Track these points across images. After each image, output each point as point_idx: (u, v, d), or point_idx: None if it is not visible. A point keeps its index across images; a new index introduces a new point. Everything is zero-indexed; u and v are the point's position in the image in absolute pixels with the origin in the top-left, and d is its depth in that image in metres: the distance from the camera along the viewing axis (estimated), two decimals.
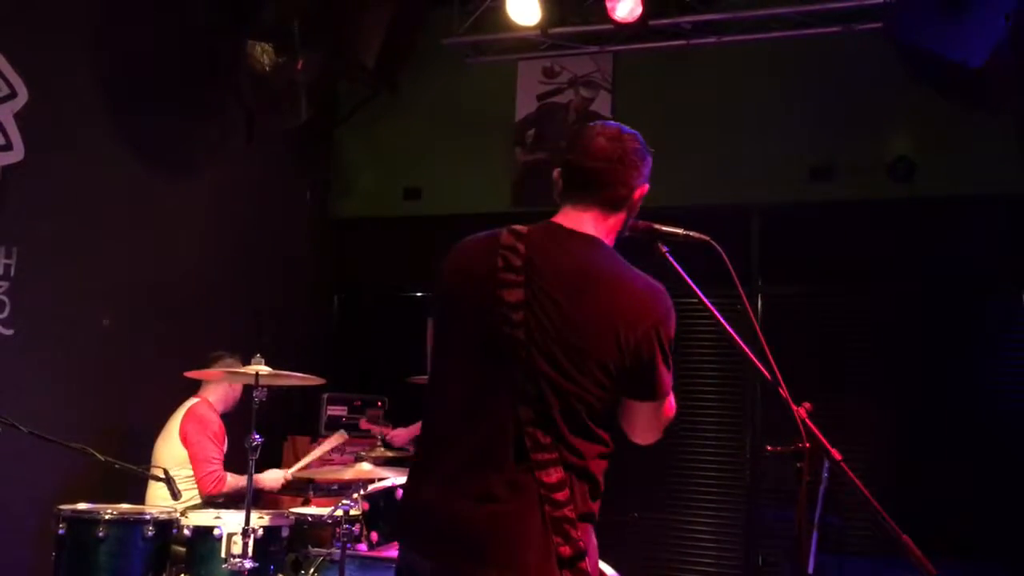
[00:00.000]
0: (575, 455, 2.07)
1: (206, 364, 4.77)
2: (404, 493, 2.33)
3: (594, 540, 2.13)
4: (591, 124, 2.28)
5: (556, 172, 2.29)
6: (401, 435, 5.80)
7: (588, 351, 2.07)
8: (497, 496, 2.04)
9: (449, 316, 2.25)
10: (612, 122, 2.30)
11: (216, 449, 4.73)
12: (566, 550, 2.02)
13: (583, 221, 2.22)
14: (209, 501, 4.65)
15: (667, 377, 2.14)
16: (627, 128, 2.28)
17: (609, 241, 2.25)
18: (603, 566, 2.34)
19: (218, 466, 4.69)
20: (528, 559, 2.01)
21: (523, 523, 2.02)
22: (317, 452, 5.05)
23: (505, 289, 2.11)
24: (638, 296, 2.13)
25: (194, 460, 4.66)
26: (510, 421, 2.06)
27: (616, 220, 2.25)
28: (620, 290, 2.13)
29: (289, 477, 4.90)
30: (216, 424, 4.81)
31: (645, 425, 2.20)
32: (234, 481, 4.65)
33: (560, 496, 2.03)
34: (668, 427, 2.25)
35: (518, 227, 2.21)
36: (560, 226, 2.23)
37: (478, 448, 2.08)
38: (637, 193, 2.25)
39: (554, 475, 2.04)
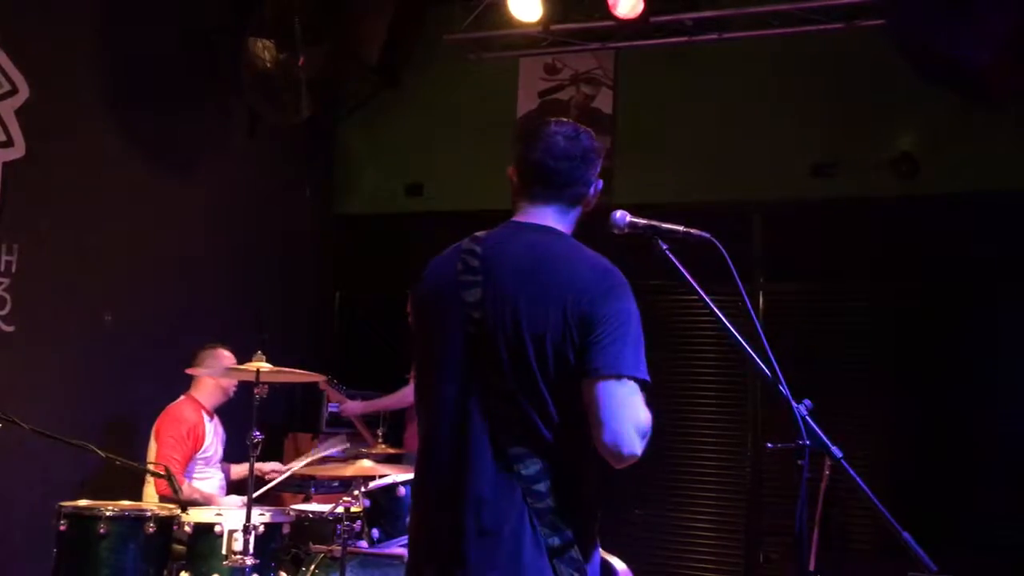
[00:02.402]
0: (549, 445, 2.08)
1: (195, 357, 4.77)
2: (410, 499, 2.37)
3: (590, 530, 2.13)
4: (546, 122, 2.32)
5: (511, 170, 2.33)
6: (355, 408, 5.82)
7: (543, 336, 2.08)
8: (483, 496, 2.07)
9: (424, 327, 2.31)
10: (566, 120, 2.35)
11: (179, 450, 4.62)
12: (555, 540, 2.05)
13: (544, 216, 2.27)
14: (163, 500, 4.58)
15: (621, 352, 2.06)
16: (582, 127, 2.33)
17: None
18: (613, 560, 2.32)
19: (177, 468, 4.55)
20: (520, 554, 2.04)
21: (511, 519, 2.05)
22: (313, 456, 5.04)
23: (465, 291, 2.17)
24: (585, 271, 2.14)
25: (156, 458, 4.56)
26: (484, 419, 2.10)
27: (574, 216, 2.31)
28: (568, 268, 2.14)
29: (279, 467, 4.92)
30: (188, 424, 4.70)
31: (604, 420, 2.03)
32: (189, 491, 4.54)
33: (540, 487, 2.06)
34: (645, 446, 2.07)
35: (480, 232, 2.28)
36: (518, 222, 2.29)
37: (461, 450, 2.12)
38: (593, 189, 2.31)
39: (531, 467, 2.07)
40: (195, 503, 4.41)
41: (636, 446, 2.04)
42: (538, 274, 2.13)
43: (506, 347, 2.10)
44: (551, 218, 2.27)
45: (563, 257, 2.17)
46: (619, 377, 2.05)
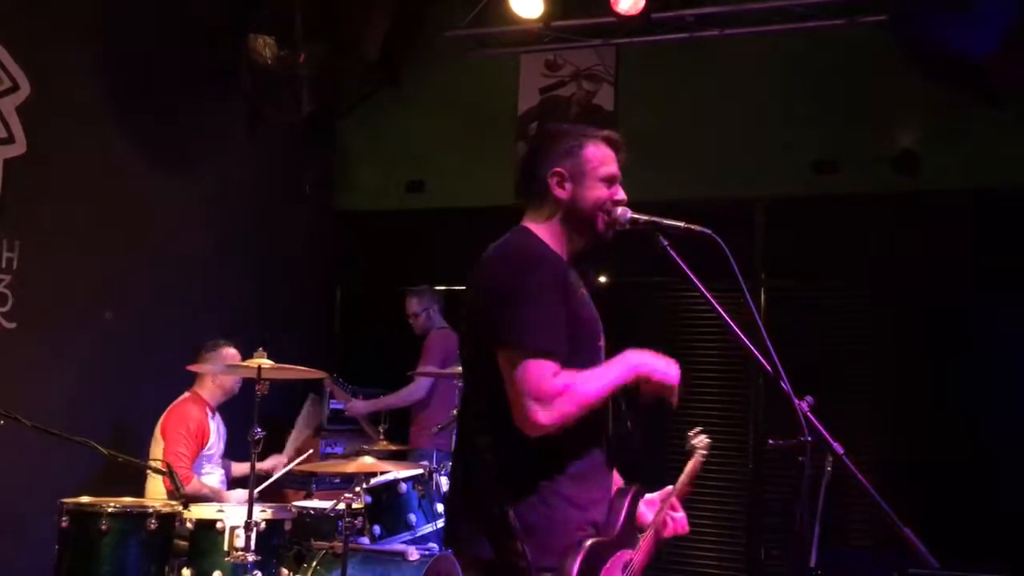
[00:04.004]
0: (495, 420, 2.21)
1: (199, 354, 4.78)
2: None
3: (537, 499, 2.19)
4: None
5: None
6: (360, 407, 5.86)
7: (474, 322, 2.32)
8: (455, 472, 2.41)
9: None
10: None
11: (186, 446, 4.65)
12: (495, 507, 2.17)
13: (525, 217, 2.46)
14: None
15: (508, 324, 2.17)
16: (550, 126, 2.60)
17: (557, 229, 2.39)
18: None
19: (185, 464, 4.59)
20: (459, 521, 2.32)
21: (461, 494, 2.31)
22: (296, 430, 5.07)
23: (466, 293, 2.41)
24: (494, 254, 2.34)
25: (164, 454, 4.57)
26: (463, 401, 2.45)
27: (551, 208, 2.40)
28: (489, 256, 2.35)
29: (285, 460, 4.93)
30: (195, 421, 4.73)
31: (511, 396, 2.16)
32: (198, 485, 4.58)
33: (488, 456, 2.22)
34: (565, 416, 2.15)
35: None
36: None
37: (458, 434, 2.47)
38: (548, 175, 2.38)
39: (482, 439, 2.24)
40: (204, 498, 4.42)
41: (536, 414, 2.12)
42: (479, 267, 2.34)
43: (468, 336, 2.39)
44: (527, 216, 2.44)
45: (494, 247, 2.37)
46: (508, 348, 2.18)
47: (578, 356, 2.24)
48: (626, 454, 2.49)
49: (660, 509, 2.52)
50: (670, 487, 2.61)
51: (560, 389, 2.14)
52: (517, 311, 2.18)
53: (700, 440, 2.75)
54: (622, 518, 2.34)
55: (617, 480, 2.48)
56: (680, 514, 2.58)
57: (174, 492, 4.18)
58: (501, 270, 2.27)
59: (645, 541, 2.42)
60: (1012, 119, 5.37)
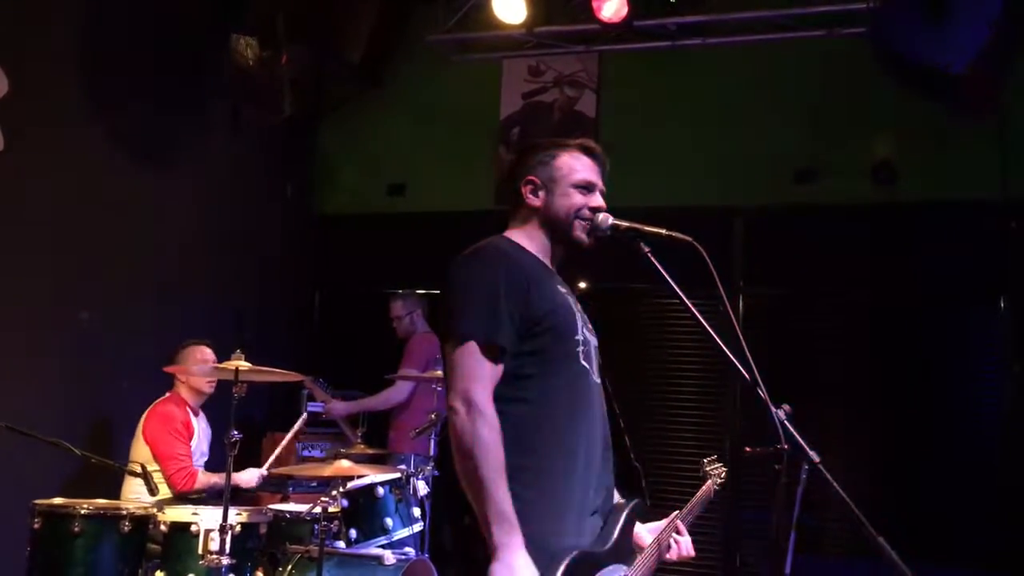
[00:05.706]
0: None
1: (175, 355, 4.74)
2: None
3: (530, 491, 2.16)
4: None
5: None
6: (340, 408, 5.85)
7: None
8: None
9: None
10: None
11: (182, 445, 4.62)
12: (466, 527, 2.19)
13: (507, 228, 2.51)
14: (181, 498, 4.60)
15: (447, 315, 2.26)
16: (531, 142, 2.62)
17: (537, 236, 2.45)
18: None
19: (187, 463, 4.58)
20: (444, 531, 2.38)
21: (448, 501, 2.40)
22: (283, 443, 5.02)
23: None
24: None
25: (160, 458, 4.55)
26: None
27: (526, 217, 2.47)
28: None
29: (265, 473, 4.87)
30: (180, 420, 4.69)
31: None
32: (206, 478, 4.58)
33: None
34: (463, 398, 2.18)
35: None
36: None
37: None
38: (519, 185, 2.47)
39: None
40: (216, 489, 4.41)
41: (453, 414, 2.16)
42: None
43: None
44: (508, 227, 2.49)
45: None
46: (445, 341, 2.25)
47: (555, 343, 2.27)
48: (628, 471, 2.50)
49: (663, 530, 2.49)
50: (677, 512, 2.58)
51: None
52: (463, 302, 2.26)
53: (716, 468, 2.74)
54: (616, 532, 2.30)
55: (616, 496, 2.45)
56: (685, 538, 2.53)
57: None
58: (453, 264, 2.33)
59: (645, 561, 2.38)
60: (988, 130, 5.43)
